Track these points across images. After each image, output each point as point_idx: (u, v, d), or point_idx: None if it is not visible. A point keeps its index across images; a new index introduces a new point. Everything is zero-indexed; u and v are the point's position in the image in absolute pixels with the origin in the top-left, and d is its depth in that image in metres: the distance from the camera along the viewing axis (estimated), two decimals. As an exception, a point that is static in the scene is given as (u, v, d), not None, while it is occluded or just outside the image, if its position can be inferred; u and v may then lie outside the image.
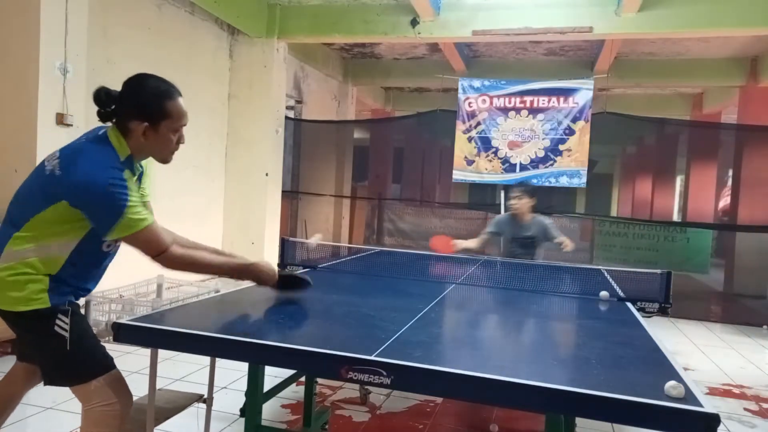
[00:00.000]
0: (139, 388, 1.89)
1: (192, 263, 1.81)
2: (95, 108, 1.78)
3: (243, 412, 2.08)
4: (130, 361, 3.65)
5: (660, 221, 9.54)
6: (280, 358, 1.61)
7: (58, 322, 1.70)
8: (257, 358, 1.72)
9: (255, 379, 1.96)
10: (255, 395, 1.97)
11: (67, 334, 1.71)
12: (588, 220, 9.05)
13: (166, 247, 1.75)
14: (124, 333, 1.74)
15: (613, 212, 16.85)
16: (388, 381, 1.49)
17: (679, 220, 11.57)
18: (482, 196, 12.81)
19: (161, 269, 1.86)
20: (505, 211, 6.77)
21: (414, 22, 6.68)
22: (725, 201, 10.94)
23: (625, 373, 1.55)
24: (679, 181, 13.75)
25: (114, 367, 1.80)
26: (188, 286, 2.40)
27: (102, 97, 1.74)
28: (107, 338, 2.31)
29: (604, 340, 1.93)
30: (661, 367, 1.61)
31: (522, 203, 4.59)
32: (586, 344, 1.91)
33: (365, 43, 8.56)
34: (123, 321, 1.76)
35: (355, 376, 1.51)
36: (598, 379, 1.49)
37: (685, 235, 8.55)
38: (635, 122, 8.11)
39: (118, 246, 1.87)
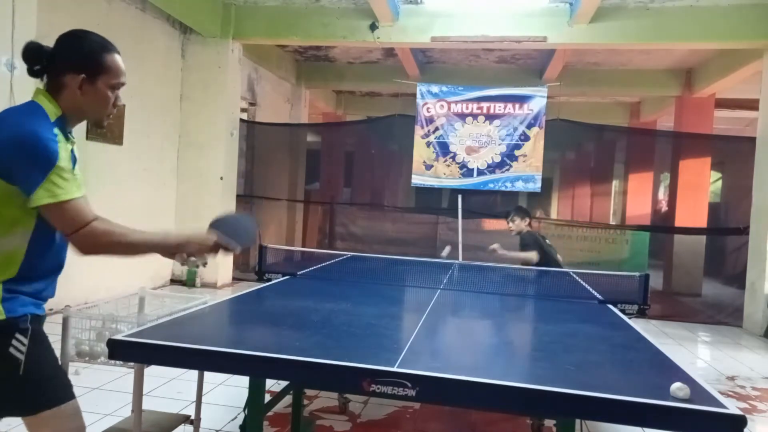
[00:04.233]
0: (111, 405, 1.76)
1: (118, 241, 1.56)
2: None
3: (243, 429, 1.99)
4: (102, 377, 3.46)
5: (609, 225, 9.98)
6: (299, 372, 1.55)
7: (14, 342, 1.50)
8: (274, 373, 1.66)
9: (257, 394, 1.88)
10: (257, 411, 1.89)
11: (22, 357, 1.50)
12: (533, 222, 9.32)
13: (87, 221, 1.51)
14: (120, 350, 1.64)
15: (554, 215, 17.49)
16: (413, 393, 1.46)
17: (621, 223, 12.11)
18: (427, 201, 12.97)
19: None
20: (463, 217, 6.88)
21: (373, 27, 6.69)
22: (663, 204, 11.57)
23: (646, 377, 1.60)
24: (620, 185, 14.37)
25: (70, 397, 1.59)
26: (171, 299, 2.29)
27: (33, 51, 1.57)
28: (86, 358, 2.15)
29: (607, 343, 1.98)
30: (671, 369, 1.66)
31: (514, 225, 4.93)
32: (593, 348, 1.95)
33: (320, 47, 8.49)
34: (119, 337, 1.65)
35: (378, 389, 1.47)
36: (621, 383, 1.53)
37: (624, 237, 8.99)
38: (582, 129, 8.44)
39: None
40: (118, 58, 1.65)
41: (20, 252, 1.52)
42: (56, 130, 1.53)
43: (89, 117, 1.68)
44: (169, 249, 1.66)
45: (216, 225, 1.77)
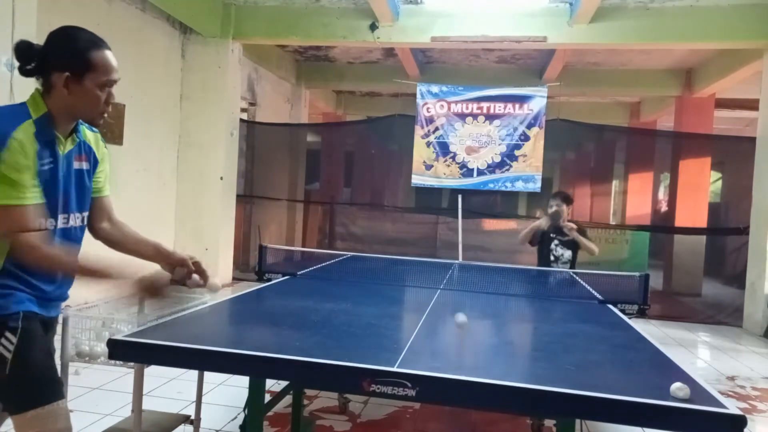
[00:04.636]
0: (111, 405, 1.76)
1: (36, 258, 1.51)
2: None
3: (243, 429, 1.99)
4: (102, 377, 3.46)
5: (609, 225, 9.98)
6: (299, 372, 1.55)
7: (2, 341, 1.50)
8: (274, 373, 1.66)
9: (257, 394, 1.87)
10: (257, 411, 1.89)
11: (9, 356, 1.51)
12: (533, 222, 9.29)
13: (21, 228, 1.46)
14: (120, 350, 1.64)
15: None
16: (413, 393, 1.46)
17: (621, 223, 12.11)
18: (427, 201, 12.97)
19: None
20: (463, 216, 6.88)
21: (373, 27, 6.68)
22: (663, 204, 11.57)
23: (646, 377, 1.60)
24: (620, 185, 14.37)
25: (59, 397, 1.59)
26: (171, 300, 2.29)
27: (24, 50, 1.57)
28: (86, 358, 2.15)
29: (607, 343, 1.98)
30: (671, 369, 1.66)
31: (562, 209, 4.51)
32: (593, 348, 1.95)
33: (320, 47, 8.49)
34: (118, 337, 1.65)
35: (378, 389, 1.47)
36: (621, 383, 1.53)
37: (624, 237, 8.98)
38: (582, 129, 8.44)
39: (58, 225, 1.63)
40: (107, 54, 1.61)
41: (3, 246, 1.51)
42: (20, 130, 1.49)
43: (80, 116, 1.64)
44: (108, 281, 1.59)
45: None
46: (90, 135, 1.73)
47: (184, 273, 1.73)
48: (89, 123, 1.68)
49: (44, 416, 1.54)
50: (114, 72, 1.62)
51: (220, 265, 7.05)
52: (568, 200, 4.64)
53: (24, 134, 1.50)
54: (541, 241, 4.62)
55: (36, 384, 1.56)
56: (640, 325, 2.22)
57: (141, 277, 1.61)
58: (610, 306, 2.69)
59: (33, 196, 1.50)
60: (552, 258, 4.55)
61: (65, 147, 1.62)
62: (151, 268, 1.67)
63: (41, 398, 1.55)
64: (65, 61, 1.56)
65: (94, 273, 1.59)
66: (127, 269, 1.61)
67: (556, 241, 4.54)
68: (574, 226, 4.48)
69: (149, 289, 1.63)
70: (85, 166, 1.70)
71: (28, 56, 1.57)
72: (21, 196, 1.47)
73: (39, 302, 1.60)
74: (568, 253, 4.49)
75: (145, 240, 1.83)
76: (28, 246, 1.50)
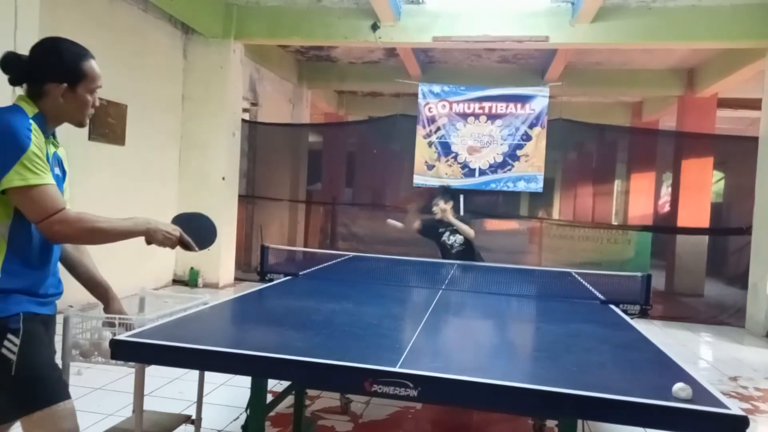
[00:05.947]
0: (113, 405, 1.76)
1: (90, 227, 1.60)
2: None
3: (245, 429, 1.99)
4: (104, 378, 3.46)
5: (611, 225, 9.97)
6: (301, 372, 1.55)
7: (5, 343, 1.52)
8: (276, 373, 1.65)
9: (259, 394, 1.87)
10: (259, 411, 1.88)
11: (14, 357, 1.52)
12: (536, 222, 9.30)
13: (58, 208, 1.55)
14: (121, 350, 1.64)
15: (556, 215, 17.45)
16: (415, 393, 1.45)
17: (623, 223, 12.08)
18: (429, 201, 12.94)
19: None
20: (463, 214, 6.87)
21: (375, 27, 6.68)
22: (665, 204, 11.55)
23: (648, 378, 1.59)
24: (622, 185, 14.35)
25: (65, 397, 1.60)
26: (172, 300, 2.29)
27: (12, 61, 1.64)
28: (87, 358, 2.15)
29: (609, 344, 1.98)
30: (673, 370, 1.66)
31: (440, 207, 4.78)
32: (595, 349, 1.95)
33: (321, 47, 8.49)
34: (120, 337, 1.65)
35: (380, 389, 1.47)
36: (623, 384, 1.52)
37: (627, 237, 8.96)
38: (584, 128, 8.43)
39: None
40: (94, 63, 1.73)
41: (1, 244, 1.54)
42: (32, 124, 1.58)
43: (69, 120, 1.73)
44: (136, 235, 1.72)
45: (178, 222, 1.84)
46: (61, 150, 1.79)
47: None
48: (77, 125, 1.75)
49: (52, 416, 1.55)
50: (100, 78, 1.74)
51: (222, 265, 7.05)
52: (447, 195, 4.91)
53: (35, 125, 1.59)
54: (434, 235, 4.90)
55: (42, 385, 1.57)
56: (642, 326, 2.21)
57: (159, 230, 1.73)
58: (612, 306, 2.69)
59: (51, 178, 1.58)
60: (448, 246, 4.82)
61: (51, 149, 1.68)
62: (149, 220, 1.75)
63: (48, 399, 1.56)
64: (60, 73, 1.65)
65: (125, 233, 1.69)
66: (144, 224, 1.72)
67: (447, 232, 4.83)
68: (441, 209, 4.72)
69: (165, 241, 1.75)
70: (60, 173, 1.76)
71: (16, 68, 1.64)
72: (46, 177, 1.55)
73: (37, 302, 1.62)
74: (460, 238, 4.76)
75: (99, 281, 1.90)
76: (73, 220, 1.57)
